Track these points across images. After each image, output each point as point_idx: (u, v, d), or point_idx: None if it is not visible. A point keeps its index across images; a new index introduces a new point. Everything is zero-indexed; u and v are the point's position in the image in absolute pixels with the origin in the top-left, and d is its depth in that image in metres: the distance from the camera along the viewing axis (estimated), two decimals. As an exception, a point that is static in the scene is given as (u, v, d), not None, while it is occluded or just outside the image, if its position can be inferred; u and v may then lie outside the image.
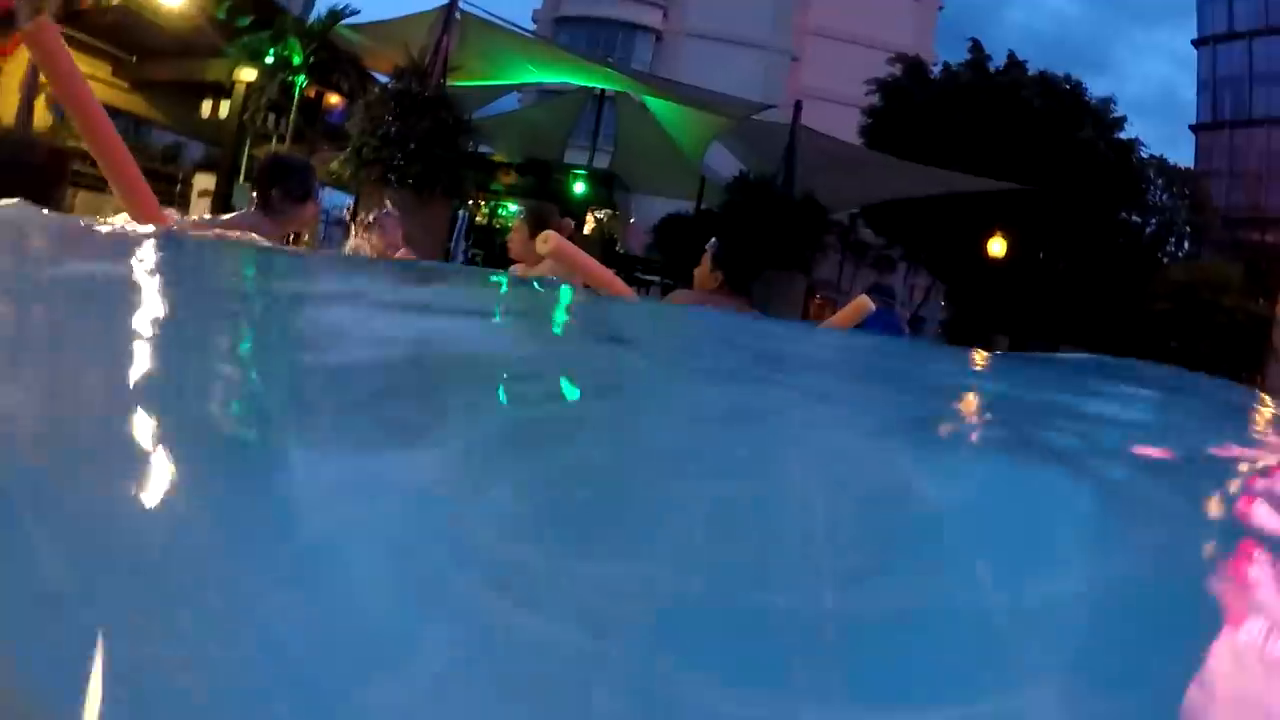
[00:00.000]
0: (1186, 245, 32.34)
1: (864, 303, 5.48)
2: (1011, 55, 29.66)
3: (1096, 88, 35.93)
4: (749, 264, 4.80)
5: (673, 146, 22.40)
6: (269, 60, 17.64)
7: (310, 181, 4.35)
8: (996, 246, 25.33)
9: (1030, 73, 28.99)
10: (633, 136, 23.74)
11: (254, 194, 4.27)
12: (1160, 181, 31.64)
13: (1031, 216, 24.52)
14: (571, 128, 24.99)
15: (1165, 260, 30.07)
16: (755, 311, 4.72)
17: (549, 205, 6.48)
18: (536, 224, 5.53)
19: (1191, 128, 48.81)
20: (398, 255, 6.13)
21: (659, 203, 25.56)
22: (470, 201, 20.75)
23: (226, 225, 4.06)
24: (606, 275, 4.72)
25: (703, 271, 4.70)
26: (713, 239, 4.80)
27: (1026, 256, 25.12)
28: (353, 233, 7.38)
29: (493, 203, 23.09)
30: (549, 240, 4.21)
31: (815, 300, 22.06)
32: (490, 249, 19.26)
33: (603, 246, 20.00)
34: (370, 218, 6.46)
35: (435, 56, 15.41)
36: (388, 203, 7.52)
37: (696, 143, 21.76)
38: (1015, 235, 25.21)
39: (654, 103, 21.57)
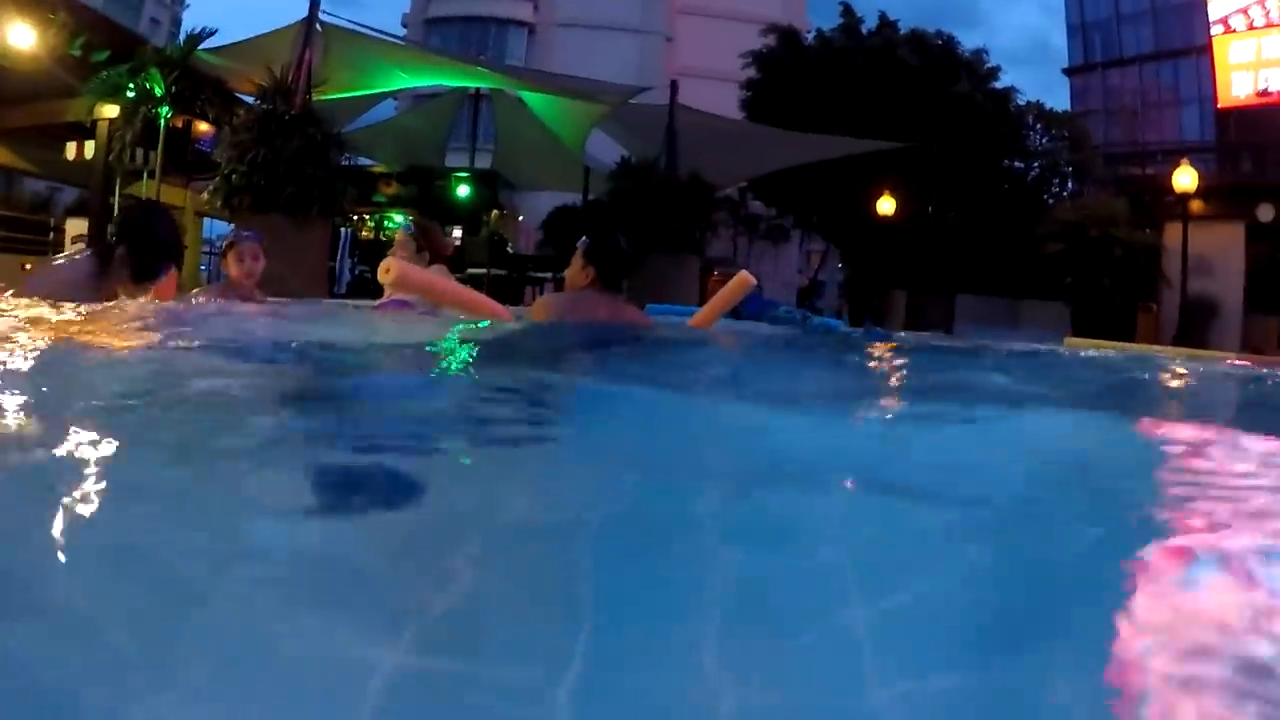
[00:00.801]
0: (1070, 185, 32.95)
1: (746, 278, 5.48)
2: (883, 16, 30.02)
3: (969, 42, 36.45)
4: (620, 261, 4.77)
5: (553, 139, 22.23)
6: (130, 94, 17.08)
7: (170, 256, 4.12)
8: (885, 205, 25.58)
9: (902, 32, 29.32)
10: (512, 133, 23.55)
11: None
12: (1039, 126, 32.20)
13: (917, 173, 24.79)
14: (450, 130, 24.72)
15: (1051, 202, 30.59)
16: (631, 306, 4.73)
17: (432, 223, 6.37)
18: (422, 238, 5.46)
19: (1065, 71, 49.83)
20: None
21: (546, 197, 25.40)
22: (355, 217, 20.40)
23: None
24: (459, 291, 4.64)
25: (574, 270, 4.68)
26: (584, 238, 4.78)
27: (916, 212, 25.39)
28: None
29: (377, 215, 22.73)
30: (390, 270, 4.09)
31: (713, 277, 21.91)
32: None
33: (491, 249, 19.73)
34: (224, 244, 6.13)
35: (298, 72, 15.06)
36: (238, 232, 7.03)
37: (576, 133, 21.62)
38: (903, 192, 25.47)
39: (530, 97, 21.40)
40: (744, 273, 5.46)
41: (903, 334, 12.08)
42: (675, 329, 5.14)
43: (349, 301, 7.32)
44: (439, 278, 4.70)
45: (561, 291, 4.90)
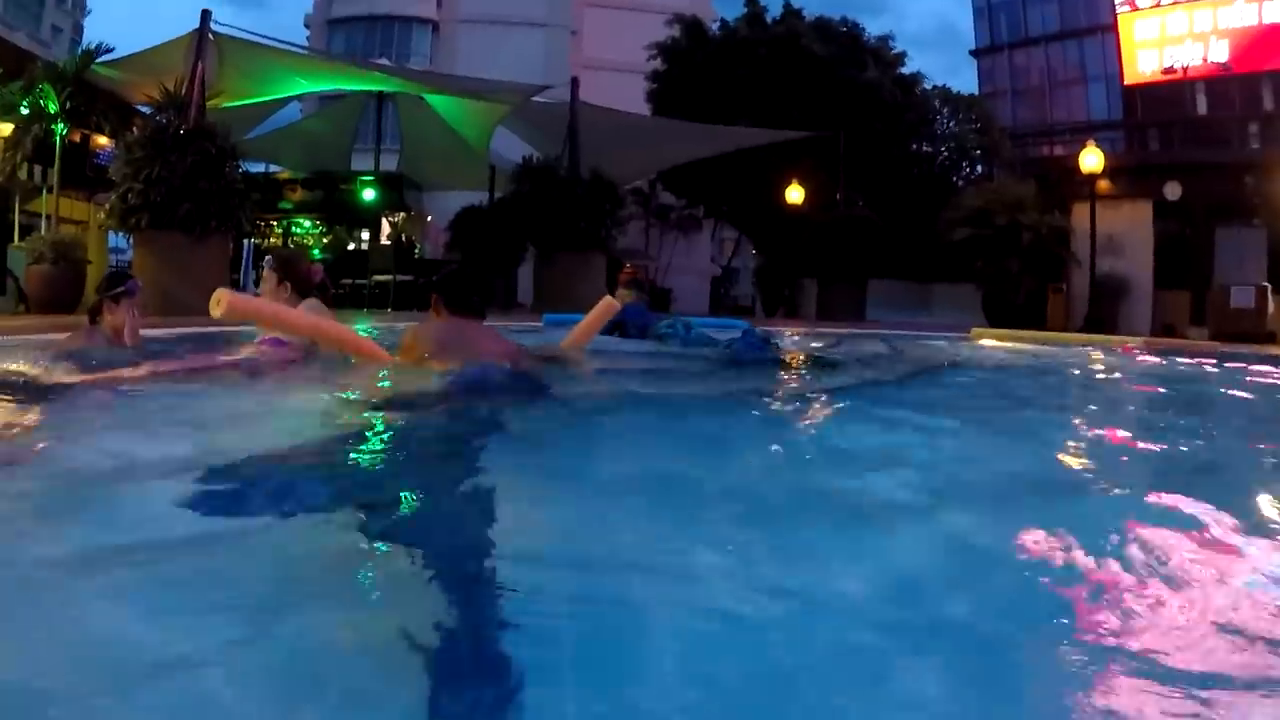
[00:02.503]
0: (980, 168, 33.21)
1: (610, 303, 5.59)
2: (787, 5, 30.11)
3: (876, 28, 36.75)
4: (477, 292, 4.95)
5: (458, 139, 22.13)
6: (23, 112, 16.75)
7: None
8: (794, 194, 25.74)
9: (807, 20, 29.43)
10: (417, 134, 23.39)
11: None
12: (946, 110, 32.46)
13: (825, 161, 24.93)
14: (355, 132, 24.46)
15: (961, 184, 30.83)
16: (497, 335, 4.86)
17: (297, 252, 6.39)
18: (285, 271, 5.46)
19: (972, 53, 50.29)
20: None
21: (454, 197, 25.17)
22: (261, 223, 20.19)
23: None
24: (297, 323, 4.66)
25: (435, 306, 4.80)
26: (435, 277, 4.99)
27: (826, 200, 25.55)
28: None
29: (285, 222, 22.51)
30: (220, 302, 4.06)
31: (624, 271, 21.99)
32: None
33: (396, 254, 19.59)
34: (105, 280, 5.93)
35: (191, 86, 14.89)
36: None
37: (480, 133, 21.58)
38: (812, 181, 25.62)
39: (432, 98, 21.29)
40: (608, 298, 5.60)
41: (788, 336, 12.07)
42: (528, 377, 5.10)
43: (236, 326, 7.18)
44: (273, 306, 4.68)
45: (430, 323, 4.93)
